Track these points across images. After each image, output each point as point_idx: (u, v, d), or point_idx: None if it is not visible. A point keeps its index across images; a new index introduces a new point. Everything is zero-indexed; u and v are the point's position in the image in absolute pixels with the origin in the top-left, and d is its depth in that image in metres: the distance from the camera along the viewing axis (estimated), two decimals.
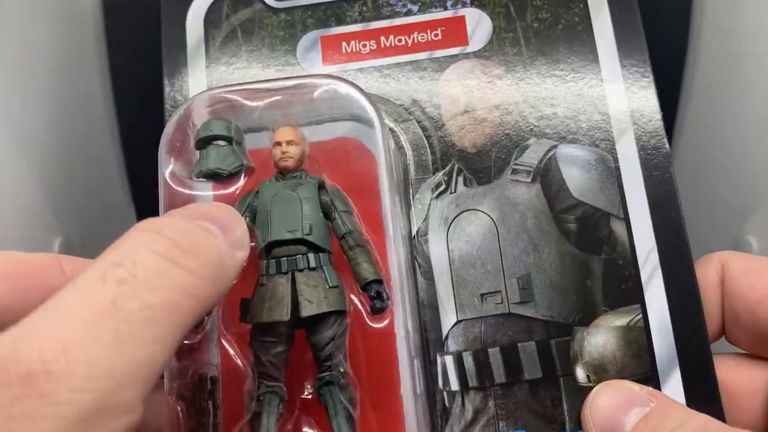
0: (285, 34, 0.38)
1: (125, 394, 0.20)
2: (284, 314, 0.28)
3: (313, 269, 0.29)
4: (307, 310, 0.28)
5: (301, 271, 0.29)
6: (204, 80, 0.37)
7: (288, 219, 0.29)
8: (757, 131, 0.42)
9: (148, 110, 0.46)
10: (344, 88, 0.31)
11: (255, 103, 0.31)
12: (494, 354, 0.33)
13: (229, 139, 0.31)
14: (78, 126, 0.45)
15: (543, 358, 0.33)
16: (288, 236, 0.29)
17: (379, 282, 0.29)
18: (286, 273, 0.29)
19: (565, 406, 0.32)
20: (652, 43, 0.34)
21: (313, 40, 0.37)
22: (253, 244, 0.31)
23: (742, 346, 0.31)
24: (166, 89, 0.37)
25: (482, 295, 0.34)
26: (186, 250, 0.23)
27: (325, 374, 0.29)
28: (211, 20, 0.38)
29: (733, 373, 0.31)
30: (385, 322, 0.29)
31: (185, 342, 0.29)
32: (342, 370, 0.29)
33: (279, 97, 0.31)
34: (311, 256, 0.29)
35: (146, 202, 0.51)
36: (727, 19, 0.44)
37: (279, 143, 0.30)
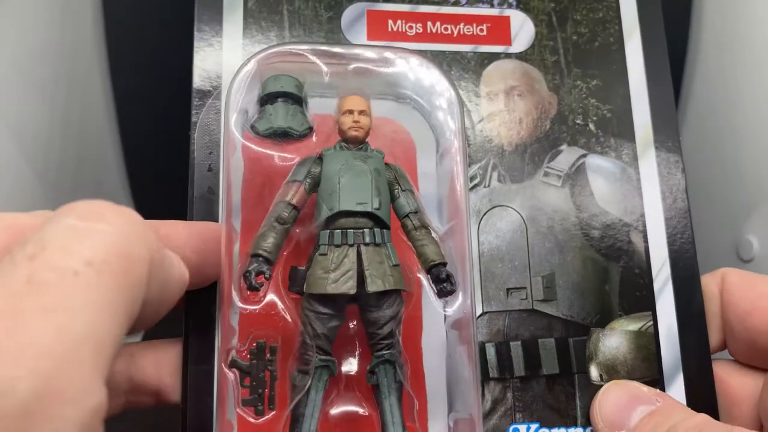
0: (330, 1, 0.36)
1: (72, 374, 0.17)
2: (351, 288, 0.27)
3: (377, 245, 0.28)
4: (374, 286, 0.28)
5: (366, 245, 0.28)
6: (240, 33, 0.35)
7: (358, 190, 0.28)
8: (757, 132, 0.43)
9: (148, 110, 0.43)
10: (430, 69, 0.30)
11: (330, 68, 0.30)
12: (516, 347, 0.34)
13: (298, 99, 0.29)
14: (78, 125, 0.41)
15: (561, 354, 0.34)
16: (358, 208, 0.28)
17: (445, 264, 0.29)
18: (352, 245, 0.28)
19: (578, 402, 0.34)
20: None
21: (359, 12, 0.36)
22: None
23: (739, 357, 0.34)
24: (196, 41, 0.34)
25: (508, 289, 0.34)
26: (98, 213, 0.20)
27: (384, 352, 0.28)
28: None
29: (729, 379, 0.34)
30: (457, 305, 0.29)
31: (243, 306, 0.27)
32: (400, 349, 0.28)
33: (358, 65, 0.30)
34: (377, 231, 0.28)
35: (146, 201, 0.47)
36: (727, 21, 0.46)
37: (351, 111, 0.29)
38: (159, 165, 0.42)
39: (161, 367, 0.30)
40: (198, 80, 0.34)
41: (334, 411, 0.28)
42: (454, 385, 0.32)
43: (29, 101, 0.39)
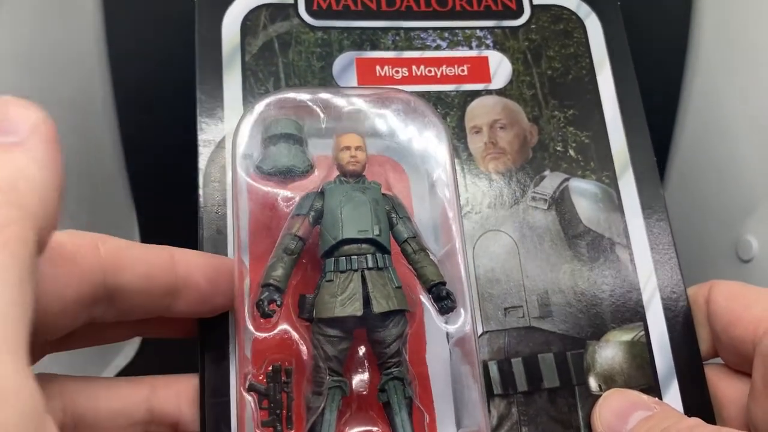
0: (321, 51, 0.39)
1: None
2: (357, 309, 0.29)
3: (380, 269, 0.30)
4: (379, 307, 0.29)
5: (370, 269, 0.30)
6: (239, 85, 0.37)
7: (359, 219, 0.30)
8: (756, 131, 0.43)
9: (148, 111, 0.45)
10: (419, 104, 0.33)
11: (331, 108, 0.32)
12: (517, 364, 0.35)
13: (298, 139, 0.32)
14: (78, 127, 0.43)
15: (560, 368, 0.36)
16: (359, 235, 0.30)
17: (444, 283, 0.31)
18: (356, 270, 0.30)
19: (580, 412, 0.35)
20: (653, 46, 0.37)
21: (349, 60, 0.39)
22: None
23: (729, 363, 0.36)
24: (199, 93, 0.37)
25: (505, 309, 0.36)
26: None
27: (392, 370, 0.29)
28: (248, 27, 0.39)
29: (720, 383, 0.35)
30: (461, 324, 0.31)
31: (259, 334, 0.29)
32: (407, 366, 0.30)
33: (355, 106, 0.32)
34: (379, 256, 0.30)
35: (146, 202, 0.49)
36: (727, 23, 0.46)
37: (348, 147, 0.32)
38: (160, 167, 0.43)
39: (180, 398, 0.31)
40: (202, 131, 0.36)
41: (349, 428, 0.30)
42: (460, 402, 0.33)
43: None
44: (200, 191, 0.35)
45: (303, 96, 0.32)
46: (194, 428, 0.31)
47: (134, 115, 0.46)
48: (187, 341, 0.32)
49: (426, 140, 0.34)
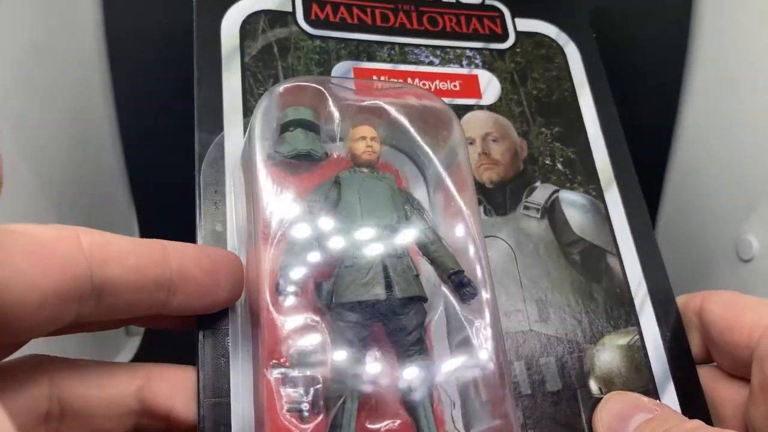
0: (320, 58, 0.39)
1: None
2: (380, 294, 0.28)
3: (399, 257, 0.30)
4: (401, 292, 0.29)
5: (390, 257, 0.29)
6: (239, 85, 0.37)
7: (378, 207, 0.30)
8: (757, 131, 0.44)
9: (148, 111, 0.43)
10: (440, 105, 0.34)
11: (347, 102, 0.32)
12: (519, 367, 0.35)
13: (316, 126, 0.31)
14: (79, 127, 0.41)
15: (561, 371, 0.36)
16: (378, 223, 0.30)
17: (463, 271, 0.31)
18: (375, 257, 0.29)
19: (583, 415, 0.35)
20: (653, 46, 0.38)
21: (346, 69, 0.40)
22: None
23: (726, 369, 0.36)
24: (197, 92, 0.36)
25: (506, 312, 0.36)
26: None
27: (415, 357, 0.28)
28: (247, 31, 0.39)
29: (715, 385, 0.36)
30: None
31: (280, 318, 0.27)
32: (431, 357, 0.29)
33: (376, 102, 0.32)
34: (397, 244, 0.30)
35: (146, 202, 0.47)
36: (727, 24, 0.47)
37: (364, 137, 0.32)
38: (161, 167, 0.42)
39: (174, 392, 0.29)
40: (200, 130, 0.35)
41: (370, 420, 0.28)
42: (469, 404, 0.32)
43: (32, 105, 0.39)
44: (198, 185, 0.34)
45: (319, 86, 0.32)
46: (187, 424, 0.29)
47: (134, 115, 0.44)
48: (192, 335, 0.30)
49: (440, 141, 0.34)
